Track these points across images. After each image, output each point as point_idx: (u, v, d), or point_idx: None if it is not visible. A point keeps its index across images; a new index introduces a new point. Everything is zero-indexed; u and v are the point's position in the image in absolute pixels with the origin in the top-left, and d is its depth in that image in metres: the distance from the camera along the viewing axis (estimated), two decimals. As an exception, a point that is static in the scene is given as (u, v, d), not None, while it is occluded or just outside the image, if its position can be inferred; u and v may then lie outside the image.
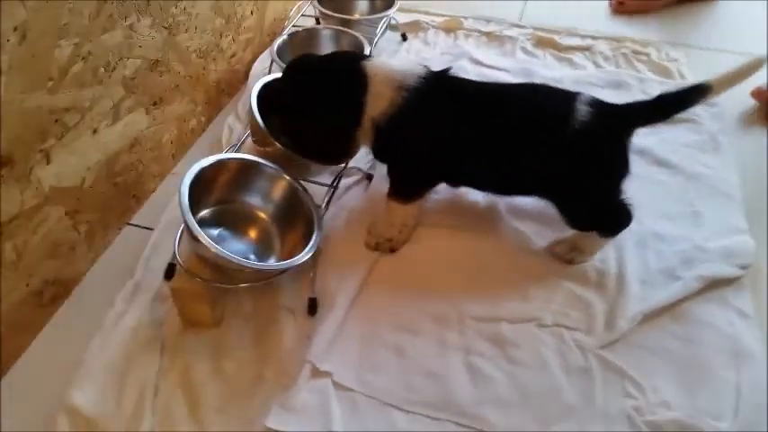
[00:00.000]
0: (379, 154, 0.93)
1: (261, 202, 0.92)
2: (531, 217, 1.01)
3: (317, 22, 1.37)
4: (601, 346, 0.84)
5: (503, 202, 1.02)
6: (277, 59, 1.18)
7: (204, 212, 0.89)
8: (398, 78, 0.86)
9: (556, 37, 1.41)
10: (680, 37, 1.44)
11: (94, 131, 0.89)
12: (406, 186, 0.93)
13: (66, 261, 0.90)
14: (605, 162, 0.86)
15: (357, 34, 1.22)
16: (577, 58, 1.36)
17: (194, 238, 0.78)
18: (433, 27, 1.45)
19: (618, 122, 0.86)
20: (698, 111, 1.20)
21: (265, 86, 0.98)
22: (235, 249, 0.86)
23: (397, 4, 1.34)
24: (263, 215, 0.92)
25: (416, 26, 1.44)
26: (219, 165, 0.87)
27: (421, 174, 0.92)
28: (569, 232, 0.95)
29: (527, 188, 0.92)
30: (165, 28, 1.00)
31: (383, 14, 1.32)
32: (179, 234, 0.88)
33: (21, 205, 0.79)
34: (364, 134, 0.90)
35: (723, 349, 0.84)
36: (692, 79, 1.29)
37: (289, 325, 0.86)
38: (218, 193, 0.89)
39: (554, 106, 0.86)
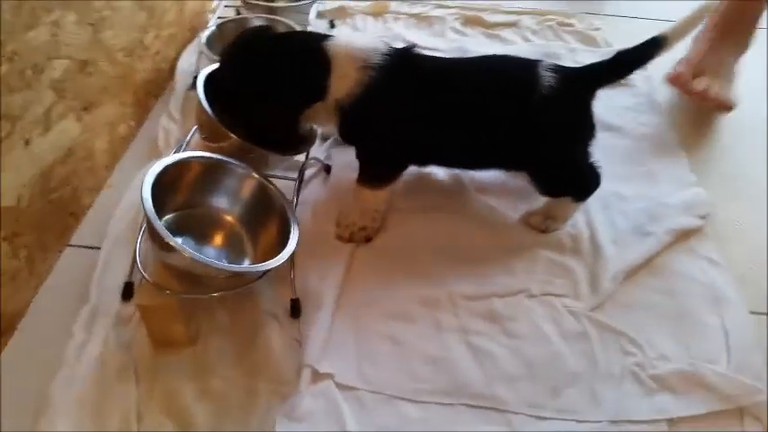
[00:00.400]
0: (346, 137, 0.89)
1: (227, 204, 0.85)
2: (497, 190, 1.00)
3: (238, 13, 1.30)
4: (591, 309, 0.84)
5: (467, 178, 1.01)
6: (207, 51, 1.10)
7: (163, 220, 0.81)
8: (362, 57, 0.82)
9: (482, 15, 1.41)
10: (598, 8, 1.49)
11: (27, 142, 0.79)
12: (377, 170, 0.89)
13: (7, 291, 0.79)
14: (574, 126, 0.87)
15: (290, 22, 1.17)
16: (506, 33, 1.37)
17: (163, 247, 0.70)
18: (360, 12, 1.41)
19: (581, 85, 0.87)
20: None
21: (212, 75, 0.91)
22: (202, 257, 0.79)
23: (324, -9, 1.29)
24: (229, 218, 0.85)
25: (343, 12, 1.40)
26: (180, 165, 0.79)
27: (392, 155, 0.88)
28: (538, 201, 0.95)
29: (500, 161, 0.91)
30: (91, 25, 0.90)
31: (310, 0, 1.26)
32: (139, 245, 0.80)
33: (-46, 232, 0.69)
34: (329, 117, 0.85)
35: (703, 297, 0.87)
36: (617, 46, 1.32)
37: (274, 331, 0.80)
38: (178, 198, 0.81)
39: (519, 75, 0.86)
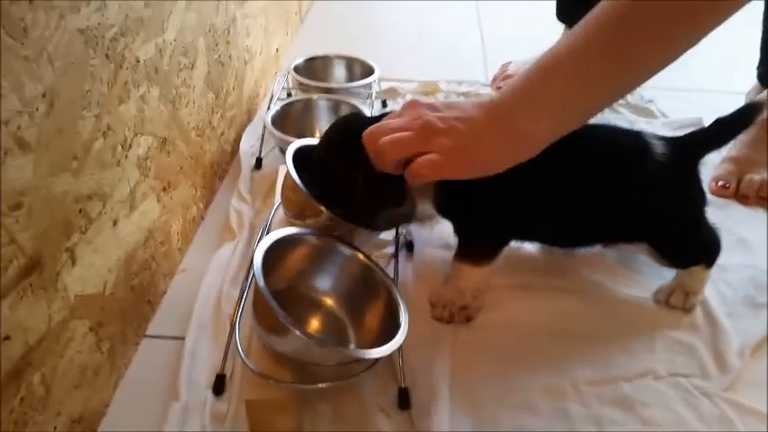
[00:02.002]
0: (445, 211, 0.84)
1: (327, 285, 0.78)
2: (594, 265, 0.94)
3: (289, 95, 1.28)
4: (724, 389, 0.77)
5: (560, 253, 0.96)
6: (274, 129, 1.06)
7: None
8: None
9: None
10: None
11: (115, 223, 0.73)
12: (480, 245, 0.84)
13: (91, 389, 0.71)
14: (691, 191, 0.84)
15: (354, 102, 1.15)
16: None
17: (274, 329, 0.64)
18: (410, 92, 1.40)
19: (689, 153, 0.84)
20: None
21: (302, 153, 0.86)
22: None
23: (378, 70, 1.28)
24: (329, 300, 0.78)
25: (394, 92, 1.39)
26: (287, 242, 0.73)
27: (497, 229, 0.83)
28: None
29: (617, 232, 0.86)
30: (170, 102, 0.87)
31: (368, 80, 1.25)
32: (237, 331, 0.73)
33: (48, 321, 0.61)
34: (426, 191, 0.81)
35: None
36: (673, 117, 1.33)
37: (382, 424, 0.72)
38: (279, 276, 0.75)
39: (630, 143, 0.83)
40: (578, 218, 0.84)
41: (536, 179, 0.80)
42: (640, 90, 1.43)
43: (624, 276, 0.93)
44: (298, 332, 0.62)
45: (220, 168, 1.11)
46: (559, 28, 1.44)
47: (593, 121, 0.95)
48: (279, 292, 0.75)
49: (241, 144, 1.16)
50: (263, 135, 1.13)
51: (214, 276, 0.89)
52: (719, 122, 0.85)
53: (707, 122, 0.87)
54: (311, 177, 0.84)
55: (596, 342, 0.83)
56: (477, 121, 0.68)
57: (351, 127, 0.83)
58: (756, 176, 1.11)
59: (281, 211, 0.91)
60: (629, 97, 1.40)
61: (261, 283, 0.64)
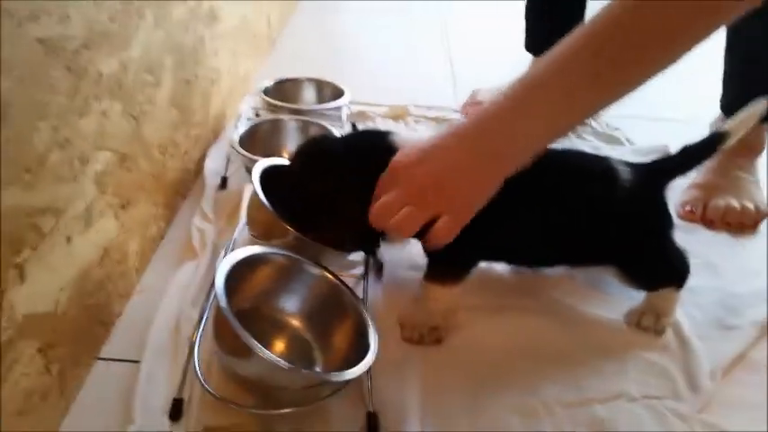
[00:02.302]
0: (418, 232, 0.82)
1: (292, 306, 0.75)
2: (565, 286, 0.93)
3: (257, 115, 1.26)
4: (697, 411, 0.76)
5: (529, 272, 0.94)
6: (240, 149, 1.04)
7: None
8: None
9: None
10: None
11: (69, 240, 0.70)
12: (449, 265, 0.82)
13: (38, 415, 0.66)
14: (658, 215, 0.84)
15: (325, 124, 1.13)
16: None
17: (237, 351, 0.61)
18: (380, 116, 1.39)
19: (655, 178, 0.84)
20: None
21: (269, 173, 0.84)
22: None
23: (349, 93, 1.27)
24: (295, 322, 0.75)
25: (364, 116, 1.38)
26: (253, 261, 0.71)
27: (466, 249, 0.82)
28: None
29: (586, 257, 0.86)
30: (133, 118, 0.84)
31: (339, 102, 1.24)
32: (197, 353, 0.69)
33: (-8, 342, 0.58)
34: None
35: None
36: (639, 144, 1.34)
37: (349, 451, 0.69)
38: (242, 297, 0.72)
39: (597, 168, 0.83)
40: (545, 239, 0.83)
41: (503, 200, 0.79)
42: (606, 118, 1.44)
43: (595, 297, 0.92)
44: (263, 354, 0.59)
45: (183, 187, 1.08)
46: (528, 56, 1.45)
47: (560, 146, 0.97)
48: (242, 313, 0.72)
49: (206, 163, 1.13)
50: (229, 155, 1.11)
51: (173, 297, 0.85)
52: (686, 150, 0.86)
53: (673, 150, 0.87)
54: (279, 197, 0.82)
55: (568, 363, 0.81)
56: (451, 150, 0.69)
57: (329, 147, 0.81)
58: (721, 202, 1.12)
59: (246, 231, 0.89)
60: (596, 125, 1.41)
61: (222, 303, 0.61)
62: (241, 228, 0.88)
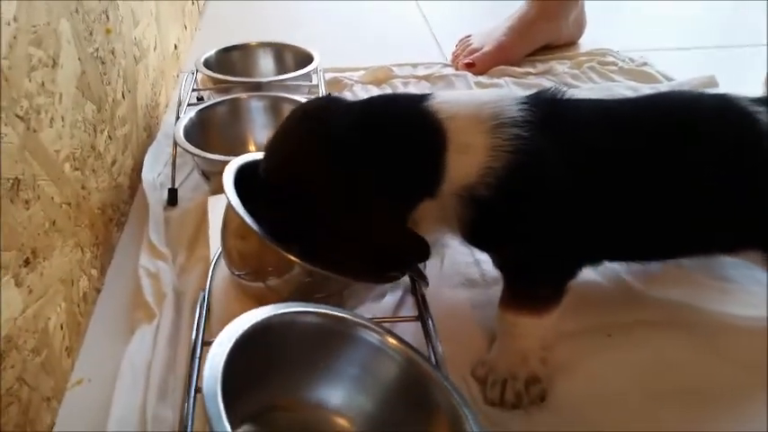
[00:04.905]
0: (480, 240, 0.56)
1: (343, 399, 0.46)
2: (675, 281, 0.68)
3: (200, 99, 0.96)
4: None
5: (635, 273, 0.69)
6: (193, 149, 0.74)
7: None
8: (492, 113, 0.52)
9: (503, 67, 1.14)
10: (622, 43, 1.26)
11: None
12: (541, 283, 0.56)
13: None
14: None
15: (299, 98, 0.83)
16: (545, 82, 1.10)
17: None
18: (358, 82, 1.10)
19: None
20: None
21: (245, 178, 0.55)
22: None
23: (318, 56, 0.97)
24: (345, 423, 0.46)
25: (338, 85, 1.09)
26: (261, 334, 0.41)
27: (570, 253, 0.55)
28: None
29: (723, 241, 0.61)
30: (20, 118, 0.52)
31: (308, 69, 0.94)
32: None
33: None
34: (443, 217, 0.54)
35: None
36: (680, 78, 1.10)
37: None
38: (258, 391, 0.43)
39: (730, 117, 0.58)
40: (672, 224, 0.58)
41: (612, 173, 0.54)
42: (626, 52, 1.19)
43: (718, 290, 0.68)
44: None
45: (117, 212, 0.77)
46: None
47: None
48: (258, 417, 0.43)
49: (143, 173, 0.82)
50: (174, 156, 0.80)
51: (128, 388, 0.55)
52: None
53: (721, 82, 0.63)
54: (266, 211, 0.54)
55: (719, 394, 0.56)
56: None
57: (337, 126, 0.53)
58: None
59: (223, 269, 0.59)
60: (620, 62, 1.16)
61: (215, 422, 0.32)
62: (215, 264, 0.58)
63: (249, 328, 0.39)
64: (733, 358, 0.60)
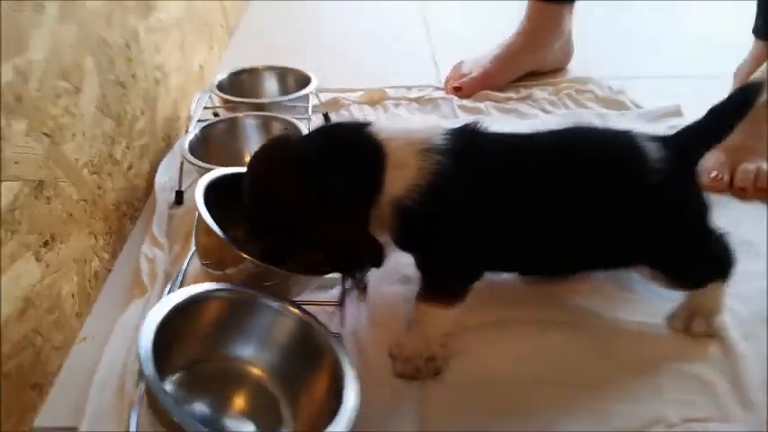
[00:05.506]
0: (406, 244, 0.69)
1: (253, 352, 0.61)
2: (585, 289, 0.80)
3: (215, 115, 1.12)
4: (756, 433, 0.63)
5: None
6: (192, 159, 0.90)
7: (169, 381, 0.57)
8: (422, 139, 0.64)
9: (488, 92, 1.27)
10: (607, 71, 1.36)
11: (-35, 300, 0.56)
12: (449, 281, 0.69)
13: None
14: (695, 198, 0.70)
15: (288, 118, 0.99)
16: (523, 107, 1.22)
17: (171, 427, 0.47)
18: (355, 102, 1.25)
19: (687, 153, 0.70)
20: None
21: (217, 186, 0.71)
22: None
23: (316, 80, 1.12)
24: (257, 371, 0.61)
25: (337, 104, 1.24)
26: (192, 304, 0.57)
27: (469, 259, 0.68)
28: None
29: (613, 260, 0.73)
30: (46, 135, 0.69)
31: (305, 92, 1.09)
32: (135, 424, 0.56)
33: None
34: (382, 223, 0.66)
35: None
36: (648, 107, 1.20)
37: None
38: (188, 348, 0.58)
39: (622, 149, 0.69)
40: (562, 244, 0.70)
41: (512, 197, 0.67)
42: (607, 81, 1.30)
43: (621, 299, 0.79)
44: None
45: (131, 208, 0.94)
46: (511, 24, 1.31)
47: (565, 123, 0.83)
48: (188, 368, 0.59)
49: (156, 177, 0.99)
50: (182, 165, 0.96)
51: (117, 347, 0.72)
52: (716, 111, 0.71)
53: (686, 110, 0.73)
54: (235, 214, 0.68)
55: (592, 385, 0.68)
56: None
57: (293, 149, 0.67)
58: (752, 166, 0.97)
59: (196, 259, 0.75)
60: (597, 89, 1.26)
61: (148, 371, 0.47)
62: (191, 256, 0.74)
63: (179, 302, 0.55)
64: (618, 358, 0.71)
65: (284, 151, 0.66)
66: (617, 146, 0.70)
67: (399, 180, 0.63)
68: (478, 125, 0.70)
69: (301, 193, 0.62)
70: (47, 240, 0.70)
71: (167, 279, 0.81)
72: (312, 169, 0.63)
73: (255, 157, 0.68)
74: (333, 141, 0.66)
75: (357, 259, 0.68)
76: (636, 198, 0.67)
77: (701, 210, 0.70)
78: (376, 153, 0.64)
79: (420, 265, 0.69)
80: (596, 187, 0.67)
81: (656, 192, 0.67)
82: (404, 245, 0.68)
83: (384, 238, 0.68)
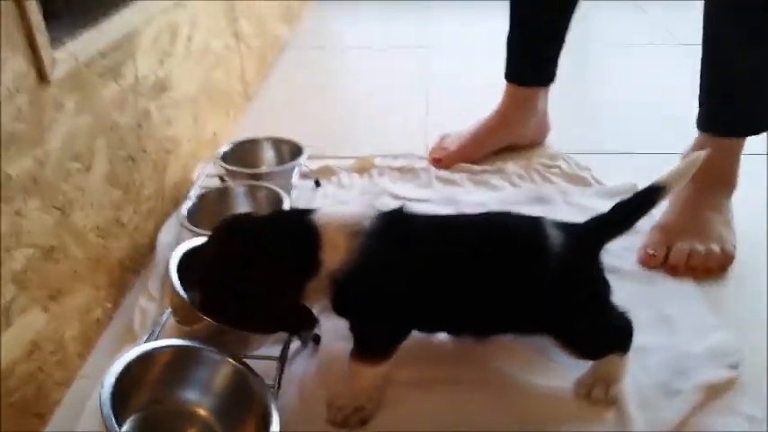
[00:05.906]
0: (340, 310, 0.82)
1: (198, 396, 0.76)
2: (509, 353, 0.91)
3: (222, 180, 1.28)
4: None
5: (470, 341, 0.92)
6: (188, 225, 1.05)
7: (126, 424, 0.72)
8: (351, 223, 0.78)
9: (463, 164, 1.40)
10: (582, 146, 1.47)
11: (-20, 344, 0.72)
12: (375, 343, 0.82)
13: None
14: (595, 281, 0.82)
15: (272, 186, 1.14)
16: (495, 180, 1.35)
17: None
18: (344, 170, 1.39)
19: (589, 242, 0.82)
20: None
21: (189, 255, 0.86)
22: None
23: (307, 151, 1.28)
24: (202, 412, 0.75)
25: (328, 171, 1.38)
26: (145, 358, 0.71)
27: (392, 325, 0.81)
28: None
29: (521, 327, 0.85)
30: (57, 209, 0.86)
31: (293, 164, 1.25)
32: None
33: None
34: (323, 292, 0.79)
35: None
36: (609, 184, 1.31)
37: None
38: (142, 395, 0.73)
39: (526, 235, 0.82)
40: (475, 310, 0.82)
41: (424, 272, 0.79)
42: (577, 157, 1.41)
43: (539, 365, 0.89)
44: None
45: (134, 263, 1.10)
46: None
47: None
48: (145, 409, 0.73)
49: (160, 237, 1.15)
50: (181, 226, 1.12)
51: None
52: (619, 207, 0.83)
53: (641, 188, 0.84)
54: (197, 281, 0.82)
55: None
56: None
57: (243, 234, 0.80)
58: (686, 246, 1.08)
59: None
60: (565, 165, 1.38)
61: (105, 411, 0.61)
62: (168, 313, 0.89)
63: (136, 356, 0.70)
64: (522, 417, 0.82)
65: (236, 233, 0.80)
66: (525, 232, 0.82)
67: (334, 257, 0.77)
68: (404, 209, 0.83)
69: (246, 269, 0.76)
70: (53, 294, 0.85)
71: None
72: (259, 250, 0.77)
73: (213, 233, 0.82)
74: (279, 227, 0.81)
75: (286, 326, 0.82)
76: (536, 276, 0.79)
77: (600, 288, 0.82)
78: (313, 236, 0.78)
79: (351, 328, 0.82)
80: (503, 265, 0.80)
81: (555, 271, 0.78)
82: (338, 311, 0.81)
83: (324, 304, 0.82)
